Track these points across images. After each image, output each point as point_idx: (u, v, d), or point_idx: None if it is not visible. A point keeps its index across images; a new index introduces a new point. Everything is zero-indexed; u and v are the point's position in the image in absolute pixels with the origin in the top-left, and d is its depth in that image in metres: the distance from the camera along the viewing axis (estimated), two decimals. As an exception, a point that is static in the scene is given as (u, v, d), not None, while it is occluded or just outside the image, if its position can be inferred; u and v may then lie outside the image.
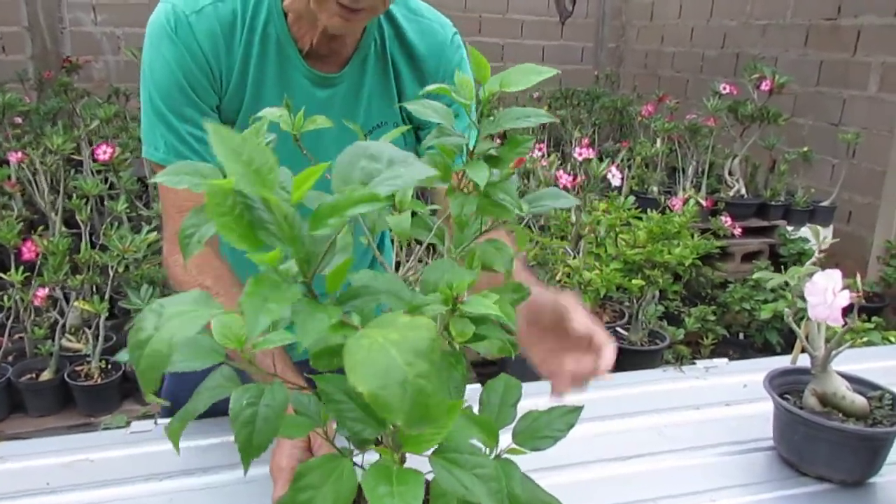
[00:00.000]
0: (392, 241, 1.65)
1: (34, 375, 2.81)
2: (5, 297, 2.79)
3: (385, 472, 0.61)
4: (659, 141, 4.28)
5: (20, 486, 1.16)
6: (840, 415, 1.19)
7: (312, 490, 0.65)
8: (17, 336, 2.99)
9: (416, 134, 1.24)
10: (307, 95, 1.10)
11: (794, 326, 1.24)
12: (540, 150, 3.56)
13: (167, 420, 1.34)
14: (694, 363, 1.64)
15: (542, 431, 0.80)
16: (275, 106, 1.09)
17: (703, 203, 3.75)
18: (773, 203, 4.15)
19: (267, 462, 1.04)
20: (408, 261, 1.39)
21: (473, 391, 1.15)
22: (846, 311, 1.10)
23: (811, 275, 1.14)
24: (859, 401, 1.19)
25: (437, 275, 0.71)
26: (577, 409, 0.82)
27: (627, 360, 3.18)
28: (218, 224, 0.48)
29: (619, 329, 3.32)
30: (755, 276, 1.31)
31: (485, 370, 2.87)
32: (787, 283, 1.23)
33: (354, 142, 1.14)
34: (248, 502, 1.12)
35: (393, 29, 1.18)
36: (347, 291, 0.61)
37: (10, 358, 2.92)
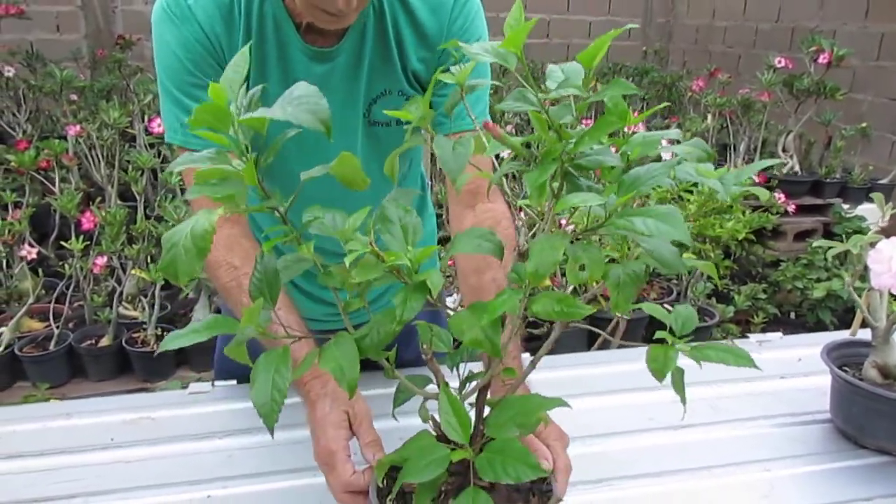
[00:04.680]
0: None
1: (94, 341, 2.92)
2: (66, 266, 2.89)
3: None
4: (710, 116, 4.19)
5: (86, 441, 1.21)
6: (902, 387, 1.16)
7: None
8: (76, 304, 3.09)
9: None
10: (306, 71, 1.10)
11: (855, 297, 1.22)
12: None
13: (224, 383, 1.39)
14: (746, 338, 1.62)
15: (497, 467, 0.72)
16: (278, 84, 1.10)
17: (756, 179, 3.67)
18: (828, 180, 4.04)
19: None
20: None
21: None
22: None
23: (874, 243, 1.11)
24: (922, 373, 1.16)
25: (541, 248, 0.68)
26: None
27: (675, 336, 3.15)
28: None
29: (666, 306, 3.28)
30: (815, 244, 1.28)
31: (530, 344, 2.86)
32: (840, 263, 1.20)
33: (354, 115, 1.14)
34: (303, 461, 1.14)
35: None
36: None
37: (70, 324, 3.04)
